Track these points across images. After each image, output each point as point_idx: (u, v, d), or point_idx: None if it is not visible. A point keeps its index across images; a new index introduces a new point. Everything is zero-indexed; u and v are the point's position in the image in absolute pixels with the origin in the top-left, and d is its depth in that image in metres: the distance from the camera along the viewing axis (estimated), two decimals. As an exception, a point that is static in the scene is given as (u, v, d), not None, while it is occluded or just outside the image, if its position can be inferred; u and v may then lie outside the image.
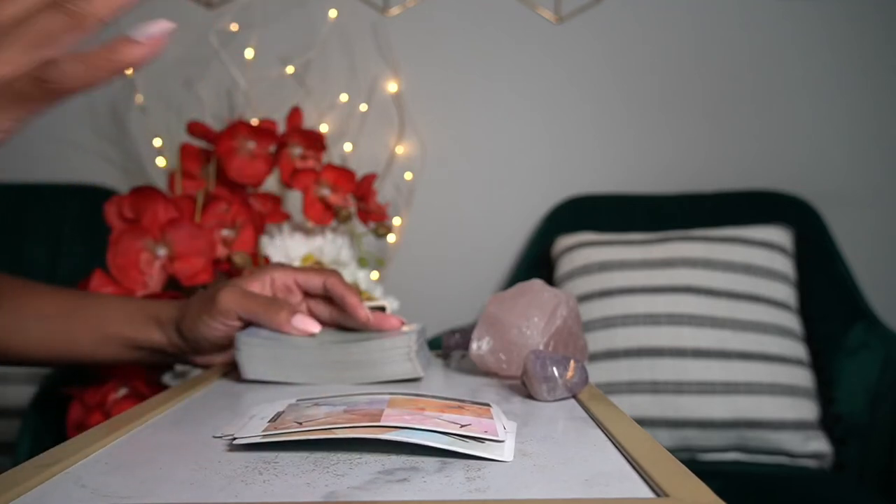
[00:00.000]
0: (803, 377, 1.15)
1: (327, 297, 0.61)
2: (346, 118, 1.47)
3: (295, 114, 1.09)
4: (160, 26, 0.33)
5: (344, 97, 1.46)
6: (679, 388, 1.13)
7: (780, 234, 1.27)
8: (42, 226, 1.37)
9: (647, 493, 0.29)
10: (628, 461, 0.33)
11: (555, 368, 0.46)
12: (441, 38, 1.50)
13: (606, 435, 0.38)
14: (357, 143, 1.47)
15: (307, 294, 0.62)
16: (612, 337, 1.18)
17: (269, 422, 0.38)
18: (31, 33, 0.32)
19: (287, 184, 1.05)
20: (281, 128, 1.09)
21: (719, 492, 0.28)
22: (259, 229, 0.95)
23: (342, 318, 0.61)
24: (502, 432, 0.36)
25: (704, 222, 1.33)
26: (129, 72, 0.34)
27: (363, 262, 1.08)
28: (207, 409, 0.45)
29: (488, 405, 0.41)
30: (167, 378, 0.85)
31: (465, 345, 0.60)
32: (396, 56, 1.49)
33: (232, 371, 0.58)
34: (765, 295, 1.20)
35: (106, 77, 0.33)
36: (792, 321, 1.20)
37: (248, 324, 0.59)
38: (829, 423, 1.14)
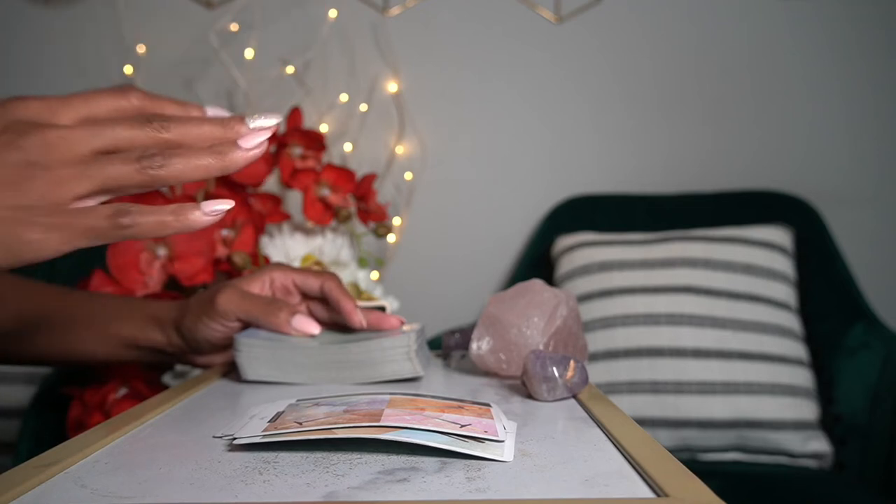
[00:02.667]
0: (803, 377, 1.15)
1: (325, 299, 0.61)
2: (346, 118, 1.47)
3: (295, 114, 1.09)
4: (224, 204, 0.39)
5: (344, 97, 1.46)
6: (679, 388, 1.13)
7: (780, 234, 1.27)
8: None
9: (647, 493, 0.29)
10: (628, 461, 0.33)
11: (555, 368, 0.46)
12: (441, 38, 1.50)
13: (606, 435, 0.38)
14: (357, 143, 1.47)
15: (306, 295, 0.62)
16: (612, 337, 1.18)
17: (269, 422, 0.37)
18: (105, 175, 0.36)
19: (287, 184, 1.05)
20: (281, 128, 1.09)
21: (719, 492, 0.28)
22: (259, 229, 0.94)
23: (340, 320, 0.61)
24: (502, 432, 0.36)
25: (704, 222, 1.33)
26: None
27: (363, 262, 1.08)
28: (207, 409, 0.45)
29: (488, 405, 0.41)
30: (167, 378, 0.85)
31: (465, 345, 0.60)
32: (396, 56, 1.49)
33: (232, 371, 0.58)
34: (765, 295, 1.20)
35: (168, 233, 0.38)
36: (792, 321, 1.20)
37: (247, 324, 0.58)
38: (829, 423, 1.14)
